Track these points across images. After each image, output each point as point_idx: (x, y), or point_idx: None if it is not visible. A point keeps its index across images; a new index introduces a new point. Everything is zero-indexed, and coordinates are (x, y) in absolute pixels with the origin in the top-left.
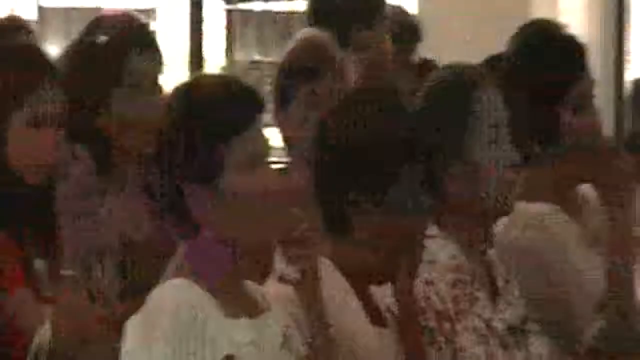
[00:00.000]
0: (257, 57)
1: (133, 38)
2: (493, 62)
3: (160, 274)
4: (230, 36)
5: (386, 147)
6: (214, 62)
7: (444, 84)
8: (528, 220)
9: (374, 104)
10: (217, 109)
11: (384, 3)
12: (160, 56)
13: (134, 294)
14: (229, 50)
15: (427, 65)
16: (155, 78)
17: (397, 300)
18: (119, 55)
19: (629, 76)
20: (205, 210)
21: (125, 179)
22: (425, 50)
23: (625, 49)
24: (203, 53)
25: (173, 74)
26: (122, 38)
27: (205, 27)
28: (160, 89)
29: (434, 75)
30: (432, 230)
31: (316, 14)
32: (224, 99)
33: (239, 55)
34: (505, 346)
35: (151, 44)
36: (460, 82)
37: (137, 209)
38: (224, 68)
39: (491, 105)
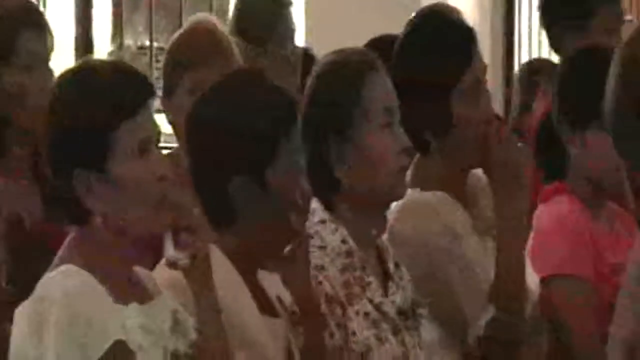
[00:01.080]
0: (146, 43)
1: (23, 18)
2: (375, 44)
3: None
4: (118, 21)
5: (256, 122)
6: (102, 48)
7: (334, 67)
8: (419, 208)
9: (242, 82)
10: (104, 94)
11: None
12: (51, 38)
13: (26, 279)
14: (117, 35)
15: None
16: (46, 60)
17: (291, 289)
18: (9, 34)
19: (518, 61)
20: (95, 196)
21: (21, 160)
22: (314, 40)
23: (514, 33)
24: (91, 38)
25: (60, 60)
26: (12, 17)
27: (92, 12)
28: (51, 72)
29: (325, 59)
30: (323, 215)
31: None
32: (111, 84)
33: (128, 41)
34: (396, 331)
35: (42, 25)
36: (351, 65)
37: (30, 192)
38: (111, 53)
39: (382, 89)
